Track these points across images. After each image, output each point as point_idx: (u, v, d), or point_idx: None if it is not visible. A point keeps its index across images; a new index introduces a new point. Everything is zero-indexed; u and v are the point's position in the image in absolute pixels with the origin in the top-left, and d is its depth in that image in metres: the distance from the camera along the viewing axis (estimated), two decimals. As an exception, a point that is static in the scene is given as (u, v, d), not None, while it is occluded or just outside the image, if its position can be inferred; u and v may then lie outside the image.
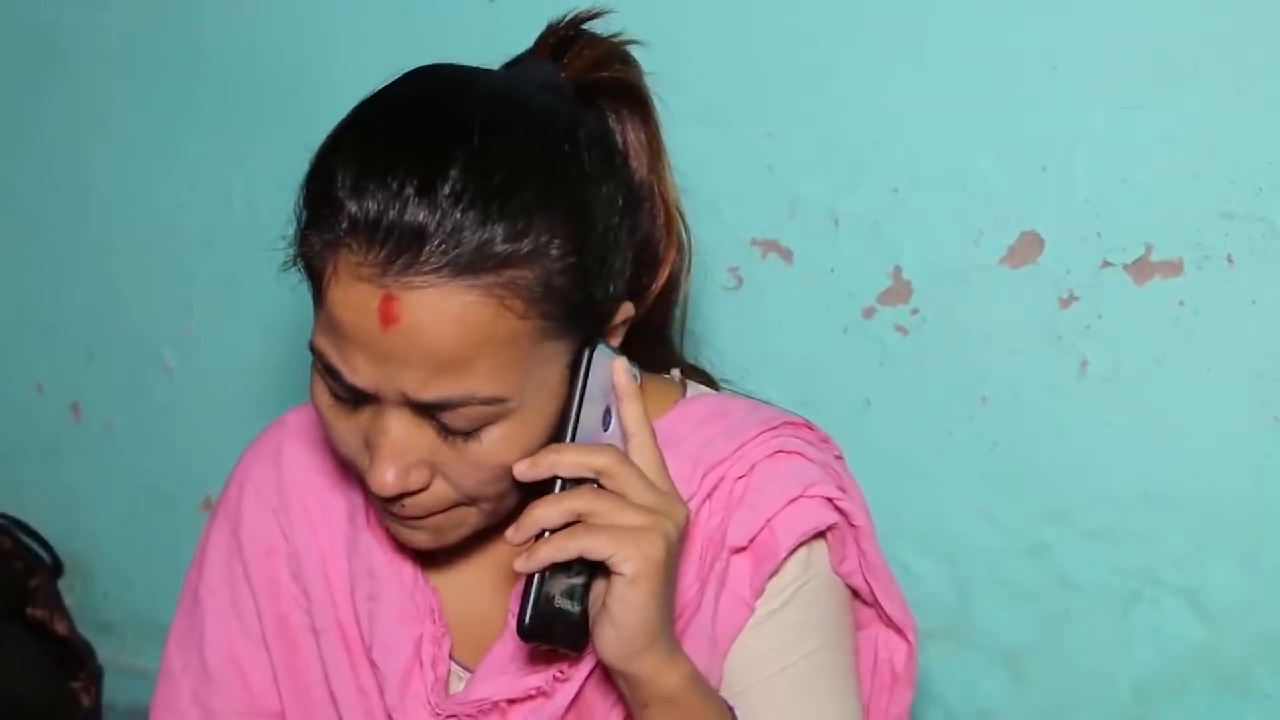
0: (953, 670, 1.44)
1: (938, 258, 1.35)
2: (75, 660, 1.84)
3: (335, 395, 0.87)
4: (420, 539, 0.92)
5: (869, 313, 1.39)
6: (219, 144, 1.65)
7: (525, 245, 0.80)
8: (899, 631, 1.02)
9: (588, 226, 0.84)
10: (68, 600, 1.89)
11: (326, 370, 0.85)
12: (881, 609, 1.00)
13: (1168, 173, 1.25)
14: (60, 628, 1.84)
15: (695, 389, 1.04)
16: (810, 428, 1.01)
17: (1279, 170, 1.22)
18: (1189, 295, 1.27)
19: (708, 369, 1.11)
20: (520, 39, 0.96)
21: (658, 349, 1.05)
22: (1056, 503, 1.36)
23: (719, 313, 1.43)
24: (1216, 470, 1.29)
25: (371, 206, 0.79)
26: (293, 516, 1.04)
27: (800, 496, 0.94)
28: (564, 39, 0.94)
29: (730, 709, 0.90)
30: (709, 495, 0.95)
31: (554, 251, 0.82)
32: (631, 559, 0.81)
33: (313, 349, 0.86)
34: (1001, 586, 1.40)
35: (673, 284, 1.00)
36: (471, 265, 0.79)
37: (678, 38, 1.40)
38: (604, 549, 0.82)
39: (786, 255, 1.41)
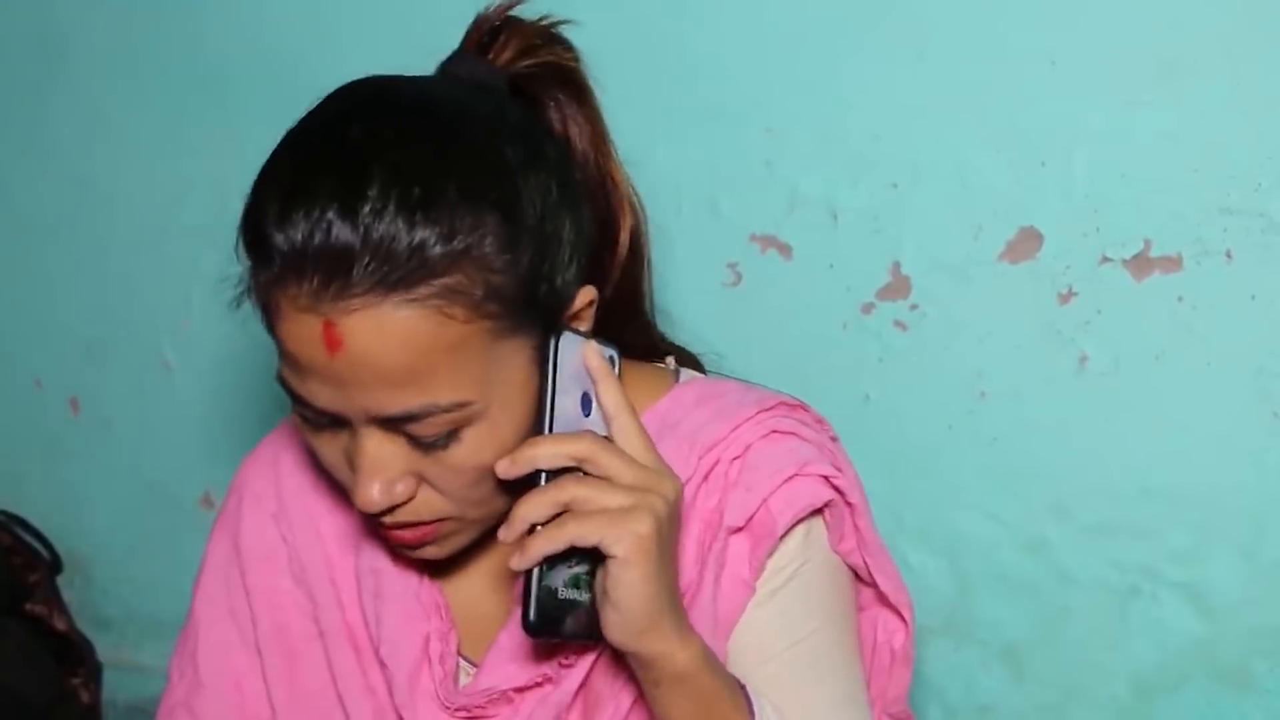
0: (952, 665, 1.44)
1: (937, 253, 1.35)
2: (74, 656, 1.84)
3: (310, 421, 0.87)
4: (423, 553, 0.93)
5: (868, 308, 1.39)
6: (219, 141, 1.65)
7: (455, 249, 0.80)
8: (896, 612, 1.02)
9: (519, 221, 0.83)
10: (67, 596, 1.88)
11: (295, 399, 0.86)
12: (878, 588, 1.00)
13: (1167, 168, 1.25)
14: (59, 624, 1.84)
15: (688, 374, 1.04)
16: (805, 408, 1.01)
17: (1278, 166, 1.22)
18: (1188, 290, 1.27)
19: (698, 357, 1.11)
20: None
21: (645, 334, 1.05)
22: (1056, 498, 1.36)
23: (718, 308, 1.43)
24: (1216, 465, 1.29)
25: (298, 237, 0.79)
26: (293, 521, 1.04)
27: (796, 475, 0.94)
28: (493, 30, 0.93)
29: (742, 687, 0.89)
30: (705, 477, 0.95)
31: (487, 251, 0.81)
32: (621, 540, 0.81)
33: (280, 381, 0.86)
34: (1001, 581, 1.40)
35: (637, 254, 1.00)
36: (404, 280, 0.79)
37: (677, 33, 1.40)
38: (592, 534, 0.81)
39: (786, 251, 1.41)
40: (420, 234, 0.79)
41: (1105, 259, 1.29)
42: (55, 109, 1.76)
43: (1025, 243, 1.32)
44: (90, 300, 1.81)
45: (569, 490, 0.83)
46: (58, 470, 1.90)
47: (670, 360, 1.04)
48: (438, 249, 0.79)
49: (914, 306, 1.37)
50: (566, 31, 0.96)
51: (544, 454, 0.84)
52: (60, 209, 1.80)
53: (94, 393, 1.84)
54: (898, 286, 1.37)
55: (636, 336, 1.03)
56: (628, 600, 0.82)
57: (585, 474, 0.84)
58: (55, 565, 1.89)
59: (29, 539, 1.88)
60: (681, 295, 1.39)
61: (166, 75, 1.68)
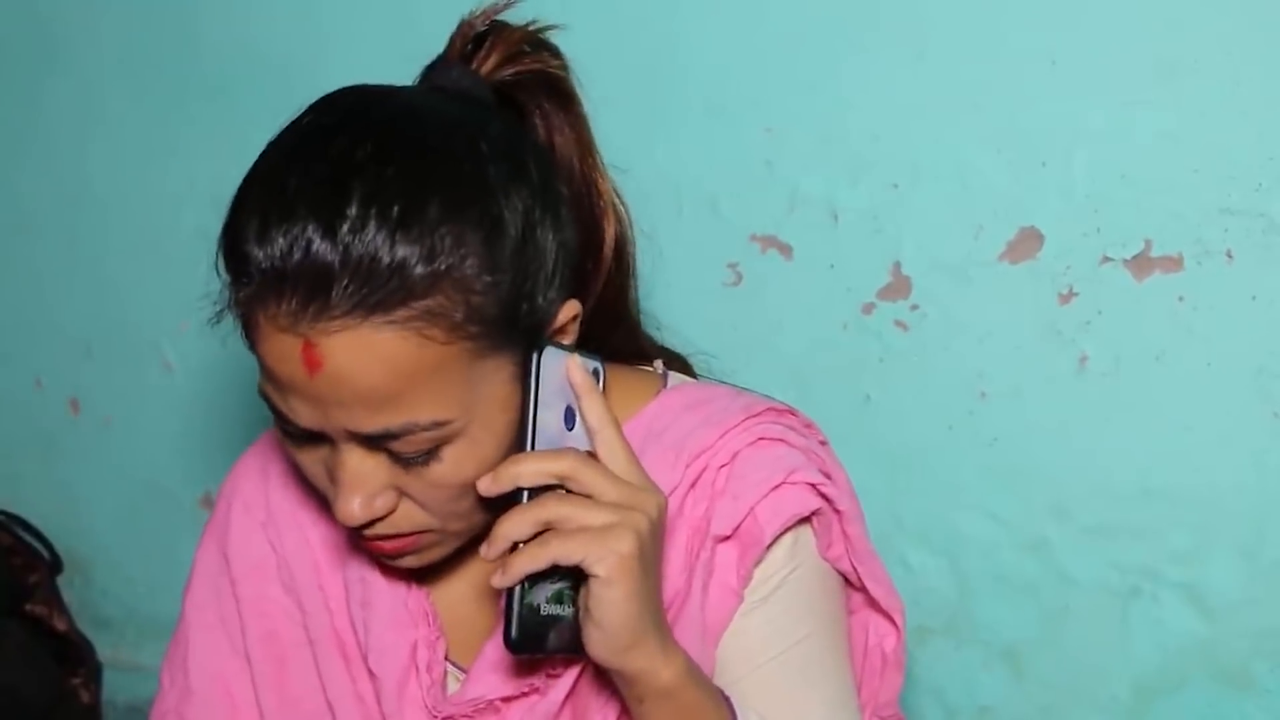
0: (952, 665, 1.44)
1: (937, 253, 1.35)
2: (74, 657, 1.84)
3: (291, 435, 0.87)
4: (403, 562, 0.92)
5: (869, 309, 1.39)
6: (217, 140, 1.65)
7: (436, 269, 0.79)
8: (887, 616, 1.02)
9: (501, 239, 0.82)
10: (66, 596, 1.88)
11: (276, 415, 0.86)
12: (869, 594, 1.00)
13: (1167, 168, 1.25)
14: (59, 624, 1.84)
15: (676, 379, 1.03)
16: (793, 413, 1.00)
17: (1278, 166, 1.22)
18: (1189, 291, 1.27)
19: (695, 361, 1.11)
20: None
21: (633, 338, 1.04)
22: (1056, 498, 1.36)
23: (719, 309, 1.43)
24: (1216, 465, 1.29)
25: (276, 254, 0.78)
26: (282, 530, 1.04)
27: (783, 483, 0.94)
28: (478, 37, 0.92)
29: (727, 699, 0.89)
30: (693, 485, 0.94)
31: (468, 271, 0.80)
32: (604, 559, 0.80)
33: (261, 395, 0.86)
34: (1001, 582, 1.40)
35: (622, 261, 0.99)
36: (383, 302, 0.78)
37: (676, 33, 1.40)
38: (574, 553, 0.81)
39: (786, 251, 1.41)
40: (401, 253, 0.78)
41: (1106, 259, 1.29)
42: (54, 108, 1.76)
43: (1025, 243, 1.31)
44: (90, 301, 1.81)
45: (551, 508, 0.82)
46: (57, 470, 1.90)
47: (658, 364, 1.04)
48: (418, 269, 0.78)
49: (914, 307, 1.37)
50: (560, 34, 0.95)
51: (526, 471, 0.83)
52: (59, 209, 1.79)
53: (93, 393, 1.84)
54: (898, 286, 1.37)
55: (623, 341, 1.02)
56: (610, 618, 0.82)
57: (568, 491, 0.84)
58: (55, 565, 1.89)
59: (29, 539, 1.88)
60: (682, 295, 1.39)
61: (163, 76, 1.67)
